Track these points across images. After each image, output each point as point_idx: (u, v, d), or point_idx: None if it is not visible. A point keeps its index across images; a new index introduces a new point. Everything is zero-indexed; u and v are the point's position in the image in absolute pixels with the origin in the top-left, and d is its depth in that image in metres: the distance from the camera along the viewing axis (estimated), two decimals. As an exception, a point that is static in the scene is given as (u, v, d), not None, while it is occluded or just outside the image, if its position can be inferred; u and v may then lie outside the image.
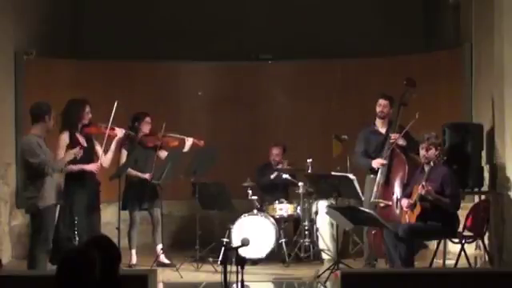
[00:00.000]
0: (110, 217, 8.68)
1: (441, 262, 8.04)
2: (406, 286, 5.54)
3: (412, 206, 7.30)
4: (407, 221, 7.35)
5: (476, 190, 8.29)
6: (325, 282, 7.62)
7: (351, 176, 8.07)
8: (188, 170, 8.69)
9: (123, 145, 8.46)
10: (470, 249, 8.31)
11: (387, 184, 7.91)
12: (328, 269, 7.75)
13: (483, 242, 8.04)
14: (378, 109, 8.24)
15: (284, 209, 9.07)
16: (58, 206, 7.33)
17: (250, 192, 8.99)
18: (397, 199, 7.74)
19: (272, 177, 9.41)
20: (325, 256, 8.92)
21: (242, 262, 5.05)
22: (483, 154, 8.40)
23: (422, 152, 7.42)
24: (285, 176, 9.23)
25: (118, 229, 7.98)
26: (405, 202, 7.42)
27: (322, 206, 8.93)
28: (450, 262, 7.99)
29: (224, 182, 8.76)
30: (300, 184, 9.02)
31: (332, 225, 8.89)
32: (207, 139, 8.91)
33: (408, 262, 7.19)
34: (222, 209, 8.79)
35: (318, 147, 9.70)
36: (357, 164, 8.54)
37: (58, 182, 7.21)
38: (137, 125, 8.61)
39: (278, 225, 8.86)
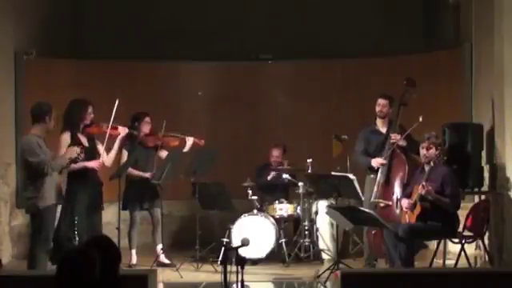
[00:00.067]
0: (110, 217, 8.68)
1: (441, 262, 8.05)
2: (406, 286, 5.54)
3: (412, 206, 7.30)
4: (407, 221, 7.35)
5: (476, 190, 8.29)
6: (325, 282, 7.62)
7: (351, 176, 8.07)
8: (188, 170, 8.69)
9: (124, 145, 8.45)
10: (470, 249, 8.31)
11: (387, 184, 7.91)
12: (328, 269, 7.75)
13: (483, 242, 8.04)
14: (377, 108, 8.25)
15: (284, 209, 9.07)
16: (60, 206, 7.33)
17: (249, 192, 8.99)
18: (397, 199, 7.74)
19: (269, 178, 9.42)
20: (325, 256, 8.92)
21: (242, 261, 5.05)
22: (483, 153, 8.40)
23: (423, 151, 7.42)
24: (285, 176, 9.24)
25: (118, 229, 7.98)
26: (405, 202, 7.42)
27: (321, 206, 8.93)
28: (450, 262, 8.00)
29: (224, 182, 8.76)
30: (300, 184, 9.02)
31: (332, 225, 8.89)
32: (207, 139, 8.90)
33: (408, 262, 7.19)
34: (222, 209, 8.79)
35: (318, 147, 9.70)
36: (356, 162, 8.55)
37: (58, 181, 7.20)
38: (136, 125, 8.60)
39: (278, 225, 8.86)
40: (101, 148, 7.74)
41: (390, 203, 7.79)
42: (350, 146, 8.67)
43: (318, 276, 7.80)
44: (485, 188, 8.35)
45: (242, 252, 5.26)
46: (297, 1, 11.01)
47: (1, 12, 8.95)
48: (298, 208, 9.06)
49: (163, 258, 8.62)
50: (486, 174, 8.33)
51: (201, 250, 8.60)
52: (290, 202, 9.13)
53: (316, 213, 9.06)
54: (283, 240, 8.81)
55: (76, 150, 7.14)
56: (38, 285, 5.30)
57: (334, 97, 10.50)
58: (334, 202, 8.27)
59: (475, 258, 8.45)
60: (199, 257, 8.54)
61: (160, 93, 10.45)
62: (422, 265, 7.89)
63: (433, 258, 7.96)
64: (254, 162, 9.67)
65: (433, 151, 7.38)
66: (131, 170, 8.50)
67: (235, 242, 8.18)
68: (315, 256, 8.92)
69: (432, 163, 7.40)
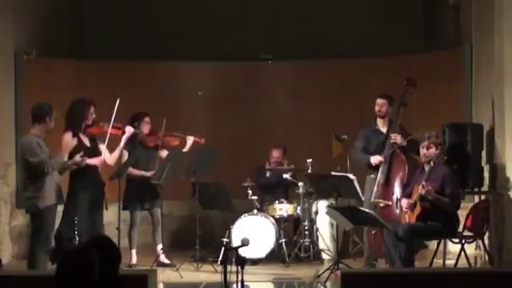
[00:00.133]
0: (110, 217, 8.66)
1: (441, 261, 8.05)
2: (406, 286, 5.54)
3: (412, 206, 7.30)
4: (407, 221, 7.35)
5: (476, 190, 8.29)
6: (325, 282, 7.62)
7: (351, 176, 8.06)
8: (188, 170, 8.69)
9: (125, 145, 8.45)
10: (470, 249, 8.30)
11: (387, 184, 7.91)
12: (328, 269, 7.75)
13: (483, 241, 8.04)
14: (376, 108, 8.26)
15: (284, 209, 9.07)
16: (63, 205, 7.33)
17: (249, 192, 8.99)
18: (397, 199, 7.74)
19: (267, 174, 9.43)
20: (325, 256, 8.92)
21: (242, 261, 5.05)
22: (483, 153, 8.40)
23: (423, 151, 7.42)
24: (285, 176, 9.23)
25: (118, 229, 7.97)
26: (405, 202, 7.42)
27: (322, 206, 8.93)
28: (450, 262, 7.99)
29: (224, 182, 8.76)
30: (300, 184, 9.02)
31: (332, 225, 8.89)
32: (207, 139, 8.90)
33: (408, 262, 7.18)
34: (222, 209, 8.79)
35: (318, 147, 9.70)
36: (355, 159, 8.55)
37: (58, 181, 7.21)
38: (136, 125, 8.59)
39: (278, 225, 8.86)
40: (102, 148, 7.74)
41: (390, 203, 7.78)
42: (350, 146, 8.66)
43: (318, 276, 7.80)
44: (485, 188, 8.35)
45: (242, 252, 5.26)
46: (297, 1, 11.01)
47: (1, 12, 8.95)
48: (298, 208, 9.05)
49: (163, 258, 8.62)
50: (486, 174, 8.33)
51: (201, 249, 8.60)
52: (290, 202, 9.13)
53: (316, 213, 9.06)
54: (283, 240, 8.81)
55: (78, 158, 7.21)
56: (38, 285, 5.30)
57: (333, 97, 10.50)
58: (333, 202, 8.27)
59: (475, 258, 8.45)
60: (199, 257, 8.53)
61: (160, 93, 10.45)
62: (422, 265, 7.88)
63: (433, 258, 7.96)
64: (254, 162, 9.67)
65: (433, 150, 7.38)
66: (132, 170, 8.50)
67: (235, 242, 8.18)
68: (315, 256, 8.92)
69: (432, 163, 7.40)
